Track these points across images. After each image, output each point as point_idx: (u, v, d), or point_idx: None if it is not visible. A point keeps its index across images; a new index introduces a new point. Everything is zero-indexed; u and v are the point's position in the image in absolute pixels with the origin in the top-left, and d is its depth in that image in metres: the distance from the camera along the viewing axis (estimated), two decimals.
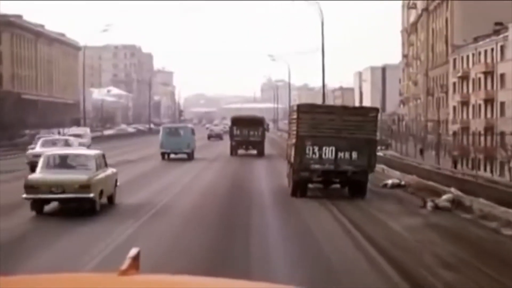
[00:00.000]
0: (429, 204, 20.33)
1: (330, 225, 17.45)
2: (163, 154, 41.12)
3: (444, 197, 20.76)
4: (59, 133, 61.75)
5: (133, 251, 2.35)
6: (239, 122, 47.86)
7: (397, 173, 30.89)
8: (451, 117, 77.16)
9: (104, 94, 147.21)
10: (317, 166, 22.59)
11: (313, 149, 22.49)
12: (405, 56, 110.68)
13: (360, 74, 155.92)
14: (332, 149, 22.45)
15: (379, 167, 32.30)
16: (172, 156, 41.15)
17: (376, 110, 24.13)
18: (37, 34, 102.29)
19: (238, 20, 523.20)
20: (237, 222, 17.20)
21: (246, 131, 46.47)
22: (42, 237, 14.39)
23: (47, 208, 17.53)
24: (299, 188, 23.07)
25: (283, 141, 47.82)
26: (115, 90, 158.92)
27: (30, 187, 17.08)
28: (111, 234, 14.26)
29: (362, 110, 24.76)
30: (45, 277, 2.32)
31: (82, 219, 16.42)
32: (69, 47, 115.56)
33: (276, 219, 18.14)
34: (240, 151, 46.95)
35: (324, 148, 22.46)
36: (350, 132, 22.55)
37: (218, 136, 71.81)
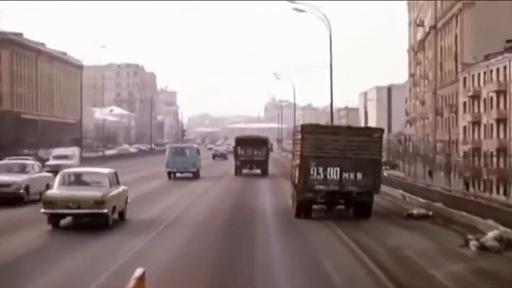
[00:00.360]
0: (473, 243, 16.97)
1: (355, 271, 13.85)
2: (169, 173, 42.83)
3: (490, 234, 17.38)
4: (33, 155, 58.11)
5: (138, 272, 2.19)
6: (243, 142, 49.34)
7: (421, 199, 28.09)
8: (461, 137, 74.83)
9: (106, 114, 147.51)
10: (321, 187, 22.61)
11: (317, 170, 22.51)
12: (411, 75, 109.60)
13: (365, 94, 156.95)
14: (336, 170, 22.48)
15: (397, 192, 32.53)
16: (178, 175, 42.88)
17: (381, 130, 24.15)
18: (38, 52, 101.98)
19: (242, 38, 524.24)
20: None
21: (250, 151, 47.89)
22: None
23: (62, 222, 18.95)
24: (303, 209, 23.11)
25: (287, 161, 49.74)
26: (117, 110, 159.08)
27: (48, 203, 18.51)
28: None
29: (367, 131, 24.88)
30: None
31: (95, 233, 17.67)
32: (71, 66, 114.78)
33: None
34: (244, 171, 48.28)
35: (328, 169, 22.48)
36: (354, 153, 22.58)
37: (223, 156, 74.41)
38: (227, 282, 12.25)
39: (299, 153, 23.44)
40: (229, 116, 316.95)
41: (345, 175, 22.53)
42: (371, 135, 23.36)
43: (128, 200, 21.55)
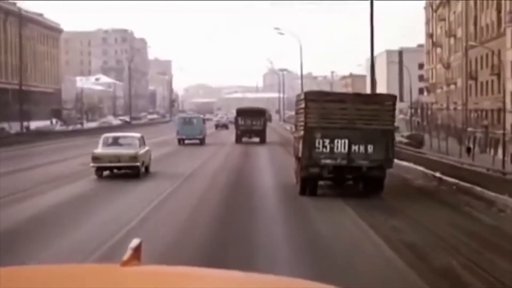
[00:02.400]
0: None
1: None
2: (179, 140, 52.73)
3: None
4: None
5: (134, 242, 2.54)
6: (243, 113, 57.77)
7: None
8: (509, 105, 63.07)
9: (92, 83, 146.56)
10: (328, 161, 22.11)
11: (323, 142, 22.00)
12: (430, 35, 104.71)
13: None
14: (344, 142, 21.95)
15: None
16: (186, 141, 52.45)
17: (393, 97, 23.48)
18: (6, 12, 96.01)
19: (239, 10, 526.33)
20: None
21: (250, 121, 56.33)
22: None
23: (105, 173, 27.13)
24: (308, 186, 22.65)
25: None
26: (104, 79, 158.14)
27: (96, 158, 26.79)
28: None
29: (377, 98, 24.09)
30: (47, 267, 2.60)
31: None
32: (48, 30, 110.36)
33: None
34: (244, 139, 56.10)
35: (335, 141, 21.96)
36: (364, 123, 22.05)
37: (225, 126, 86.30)
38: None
39: (302, 124, 22.94)
40: (227, 85, 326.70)
41: (354, 147, 22.01)
42: (383, 102, 22.74)
43: (152, 158, 29.83)
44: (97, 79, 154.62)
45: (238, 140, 56.41)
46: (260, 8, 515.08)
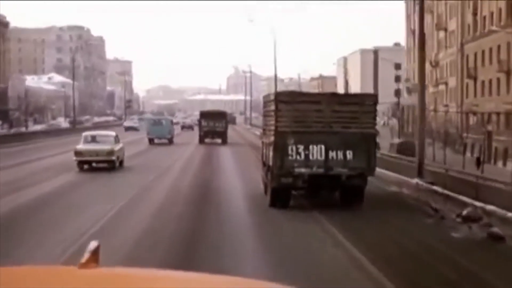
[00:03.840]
0: None
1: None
2: (149, 139, 59.42)
3: None
4: None
5: (92, 244, 2.60)
6: (206, 115, 64.45)
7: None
8: None
9: (44, 82, 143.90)
10: (302, 170, 20.93)
11: (297, 149, 20.80)
12: (412, 31, 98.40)
13: (345, 59, 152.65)
14: (321, 148, 20.80)
15: None
16: (156, 141, 58.93)
17: (374, 97, 22.35)
18: None
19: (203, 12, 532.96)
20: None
21: (212, 123, 62.33)
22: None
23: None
24: (279, 198, 21.39)
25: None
26: (58, 78, 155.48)
27: (78, 153, 32.77)
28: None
29: (357, 98, 22.78)
30: (3, 270, 2.57)
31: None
32: None
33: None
34: (207, 140, 61.75)
35: (310, 147, 20.79)
36: (343, 126, 21.00)
37: (190, 127, 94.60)
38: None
39: (273, 128, 21.74)
40: (190, 87, 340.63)
41: (332, 154, 20.87)
42: (363, 103, 21.54)
43: (125, 154, 36.39)
44: (49, 78, 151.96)
45: (201, 140, 61.77)
46: (225, 9, 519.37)
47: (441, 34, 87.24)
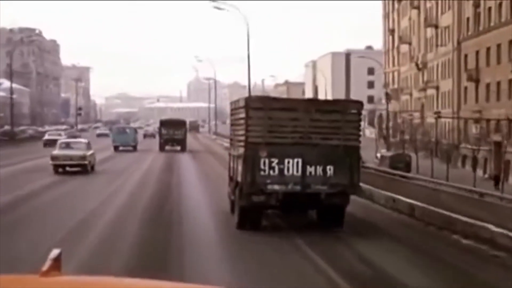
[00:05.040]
0: None
1: None
2: (115, 147, 65.04)
3: None
4: None
5: (54, 252, 2.66)
6: (166, 124, 70.17)
7: None
8: None
9: None
10: (276, 187, 19.28)
11: (270, 163, 19.15)
12: (391, 31, 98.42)
13: (314, 63, 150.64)
14: (297, 162, 19.21)
15: None
16: (121, 148, 64.72)
17: (358, 104, 20.58)
18: None
19: (160, 25, 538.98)
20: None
21: (172, 131, 67.79)
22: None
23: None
24: (249, 218, 19.70)
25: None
26: (7, 84, 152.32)
27: (54, 158, 38.04)
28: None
29: (339, 105, 20.95)
30: None
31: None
32: None
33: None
34: (167, 147, 66.92)
35: (286, 161, 19.17)
36: (322, 137, 19.50)
37: (152, 135, 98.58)
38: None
39: (242, 138, 20.10)
40: (149, 95, 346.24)
41: (310, 169, 19.29)
42: (346, 111, 19.90)
43: (96, 159, 42.11)
44: None
45: (161, 148, 66.92)
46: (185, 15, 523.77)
47: (430, 31, 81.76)
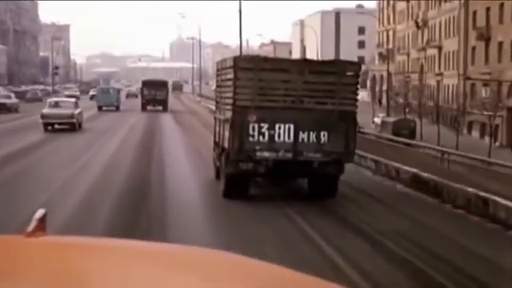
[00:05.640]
0: None
1: None
2: (98, 107, 68.21)
3: None
4: None
5: (39, 213, 2.68)
6: (148, 84, 73.40)
7: None
8: None
9: None
10: (266, 154, 18.47)
11: (259, 128, 18.32)
12: None
13: (301, 22, 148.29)
14: (289, 128, 18.39)
15: None
16: (104, 108, 68.20)
17: (356, 65, 19.80)
18: None
19: None
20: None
21: (154, 92, 71.21)
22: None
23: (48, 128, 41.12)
24: (235, 186, 18.95)
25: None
26: None
27: (44, 116, 40.96)
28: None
29: (335, 67, 19.84)
30: None
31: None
32: None
33: None
34: (149, 107, 70.48)
35: (277, 126, 18.35)
36: (317, 101, 18.67)
37: (135, 95, 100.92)
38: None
39: (229, 102, 19.24)
40: (132, 55, 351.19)
41: (303, 135, 18.47)
42: (342, 73, 19.03)
43: (84, 117, 45.35)
44: None
45: (143, 108, 70.09)
46: None
47: None
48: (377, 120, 59.88)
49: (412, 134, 49.37)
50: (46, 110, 41.72)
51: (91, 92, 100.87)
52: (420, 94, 62.18)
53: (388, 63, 75.78)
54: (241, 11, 59.10)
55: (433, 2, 78.04)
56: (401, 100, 66.39)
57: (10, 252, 2.48)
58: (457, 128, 50.53)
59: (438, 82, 68.06)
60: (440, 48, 75.25)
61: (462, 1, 67.36)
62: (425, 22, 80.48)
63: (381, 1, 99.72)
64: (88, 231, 13.24)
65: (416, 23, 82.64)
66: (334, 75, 18.78)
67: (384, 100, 77.00)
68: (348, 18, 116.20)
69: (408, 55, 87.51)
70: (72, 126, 40.80)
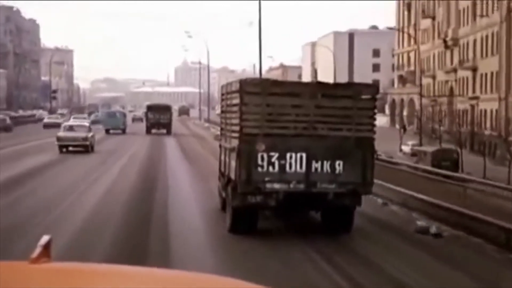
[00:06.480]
0: None
1: None
2: (106, 130, 73.66)
3: None
4: None
5: (44, 239, 2.79)
6: (152, 108, 78.97)
7: None
8: None
9: None
10: (276, 186, 17.72)
11: (269, 158, 17.58)
12: (407, 5, 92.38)
13: (312, 45, 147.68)
14: (301, 157, 17.68)
15: None
16: (111, 131, 73.97)
17: (373, 88, 19.02)
18: None
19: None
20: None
21: (158, 115, 76.33)
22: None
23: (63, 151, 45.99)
24: (243, 221, 18.24)
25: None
26: None
27: (59, 139, 45.68)
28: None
29: (350, 89, 19.12)
30: None
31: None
32: None
33: None
34: (153, 130, 75.33)
35: (288, 156, 17.64)
36: (330, 127, 18.05)
37: (140, 119, 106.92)
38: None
39: (236, 129, 18.52)
40: (136, 79, 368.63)
41: (316, 165, 17.73)
42: (358, 96, 18.31)
43: (96, 140, 50.63)
44: None
45: (148, 131, 75.20)
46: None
47: (462, 3, 75.20)
48: (406, 148, 57.24)
49: (455, 166, 44.91)
50: (61, 133, 46.64)
51: (93, 117, 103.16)
52: (454, 120, 59.28)
53: (421, 84, 70.67)
54: (261, 32, 58.27)
55: (465, 18, 74.46)
56: (429, 126, 63.11)
57: (15, 278, 2.60)
58: (510, 160, 46.08)
59: (472, 106, 64.26)
60: (474, 69, 71.22)
61: (504, 15, 63.24)
62: (456, 41, 77.15)
63: (401, 21, 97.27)
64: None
65: (445, 42, 79.48)
66: (349, 98, 18.08)
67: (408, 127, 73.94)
68: (362, 39, 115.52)
69: (433, 77, 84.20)
70: (85, 148, 45.99)
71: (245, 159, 17.65)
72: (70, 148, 45.90)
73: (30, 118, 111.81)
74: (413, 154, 54.01)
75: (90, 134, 47.36)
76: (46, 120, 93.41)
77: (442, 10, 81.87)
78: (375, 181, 19.15)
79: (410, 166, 32.85)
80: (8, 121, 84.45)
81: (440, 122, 62.29)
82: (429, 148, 51.49)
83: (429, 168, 33.75)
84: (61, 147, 45.76)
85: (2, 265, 2.99)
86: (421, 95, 67.38)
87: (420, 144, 57.30)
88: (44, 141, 55.21)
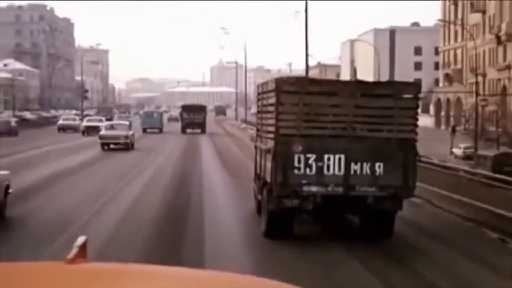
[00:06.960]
0: None
1: None
2: (143, 129, 77.98)
3: None
4: None
5: (80, 240, 2.88)
6: (187, 108, 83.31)
7: None
8: None
9: None
10: (314, 189, 17.37)
11: (306, 159, 17.23)
12: (453, 1, 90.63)
13: (351, 43, 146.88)
14: (339, 159, 17.32)
15: None
16: (148, 130, 78.77)
17: (415, 86, 18.67)
18: None
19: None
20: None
21: (192, 115, 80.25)
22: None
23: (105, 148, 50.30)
24: (279, 225, 17.94)
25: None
26: (17, 64, 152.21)
27: (101, 137, 50.00)
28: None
29: (391, 88, 18.72)
30: None
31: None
32: None
33: None
34: (188, 130, 78.89)
35: (325, 157, 17.26)
36: (370, 128, 17.67)
37: (176, 119, 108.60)
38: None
39: (272, 129, 18.26)
40: (170, 80, 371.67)
41: (355, 167, 17.36)
42: (399, 95, 17.88)
43: (136, 138, 54.99)
44: (5, 65, 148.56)
45: (183, 130, 78.69)
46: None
47: None
48: (457, 151, 55.45)
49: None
50: (103, 132, 50.69)
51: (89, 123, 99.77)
52: (508, 121, 56.95)
53: (477, 83, 68.09)
54: (307, 26, 57.81)
55: None
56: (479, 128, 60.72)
57: (51, 278, 2.68)
58: None
59: None
60: None
61: None
62: (510, 36, 74.98)
63: (446, 15, 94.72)
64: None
65: (498, 37, 77.24)
66: (390, 98, 17.66)
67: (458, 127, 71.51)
68: (404, 36, 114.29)
69: (483, 75, 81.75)
70: (126, 145, 49.33)
71: (281, 161, 17.35)
72: (112, 146, 49.36)
73: (53, 120, 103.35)
74: (467, 157, 52.10)
75: (130, 133, 51.11)
76: (60, 122, 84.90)
77: (494, 3, 79.66)
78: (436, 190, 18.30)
79: (466, 170, 29.13)
80: (13, 123, 75.97)
81: (498, 123, 60.68)
82: (489, 152, 48.76)
83: (491, 174, 29.04)
84: (103, 144, 49.26)
85: (38, 265, 3.13)
86: (476, 94, 64.96)
87: (475, 147, 55.30)
88: (45, 149, 49.94)
